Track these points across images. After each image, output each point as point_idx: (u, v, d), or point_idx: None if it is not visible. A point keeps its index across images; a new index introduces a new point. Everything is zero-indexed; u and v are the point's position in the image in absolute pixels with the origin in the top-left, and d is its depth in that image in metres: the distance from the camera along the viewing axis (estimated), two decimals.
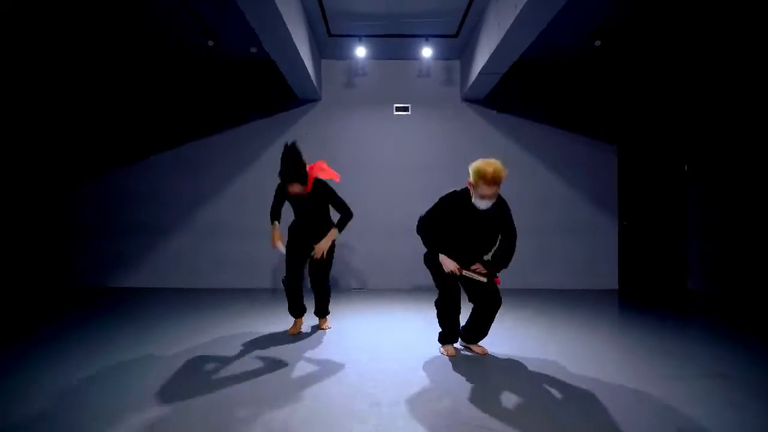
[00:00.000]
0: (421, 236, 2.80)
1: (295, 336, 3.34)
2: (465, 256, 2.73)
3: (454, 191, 2.72)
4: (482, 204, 2.55)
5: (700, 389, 2.30)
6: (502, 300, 2.77)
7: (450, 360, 2.79)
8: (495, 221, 2.69)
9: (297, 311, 3.39)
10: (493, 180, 2.43)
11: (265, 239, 6.00)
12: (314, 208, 3.27)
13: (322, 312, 3.59)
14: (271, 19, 3.59)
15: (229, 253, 5.69)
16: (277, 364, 2.68)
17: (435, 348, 2.99)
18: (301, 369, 2.60)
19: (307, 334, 3.40)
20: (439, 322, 2.91)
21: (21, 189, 5.56)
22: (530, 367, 2.64)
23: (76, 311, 4.35)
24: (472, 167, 2.51)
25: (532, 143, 5.79)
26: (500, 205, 2.67)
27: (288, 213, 3.29)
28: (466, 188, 2.64)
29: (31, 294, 5.16)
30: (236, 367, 2.62)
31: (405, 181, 5.68)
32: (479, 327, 2.84)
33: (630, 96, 5.73)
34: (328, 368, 2.61)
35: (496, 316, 2.80)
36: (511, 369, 2.63)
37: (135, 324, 3.71)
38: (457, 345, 3.05)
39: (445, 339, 2.92)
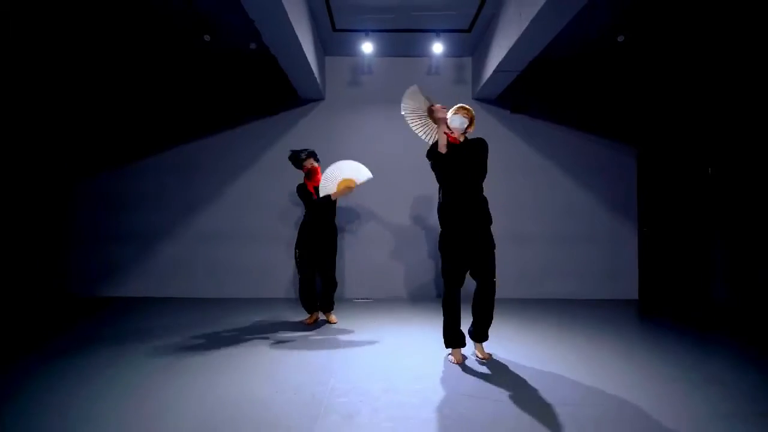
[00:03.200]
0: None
1: (311, 325, 3.96)
2: (461, 196, 2.87)
3: None
4: (457, 120, 2.89)
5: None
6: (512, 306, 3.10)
7: (463, 374, 2.52)
8: (475, 155, 2.89)
9: (314, 306, 4.00)
10: (459, 105, 2.94)
11: (268, 246, 5.87)
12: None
13: (329, 306, 4.07)
14: (273, 11, 3.28)
15: (227, 260, 5.38)
16: (279, 396, 2.38)
17: (454, 378, 2.70)
18: (306, 404, 2.30)
19: (310, 360, 3.10)
20: (443, 320, 2.94)
21: (6, 193, 5.25)
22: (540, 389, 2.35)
23: (64, 323, 4.05)
24: None
25: (547, 145, 5.48)
26: (479, 141, 2.94)
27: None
28: None
29: (18, 302, 4.85)
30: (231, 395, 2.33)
31: (413, 185, 5.35)
32: (480, 316, 2.91)
33: (651, 95, 5.42)
34: (337, 403, 2.31)
35: (495, 308, 2.95)
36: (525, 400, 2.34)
37: (128, 337, 3.42)
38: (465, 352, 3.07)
39: (450, 342, 2.94)
